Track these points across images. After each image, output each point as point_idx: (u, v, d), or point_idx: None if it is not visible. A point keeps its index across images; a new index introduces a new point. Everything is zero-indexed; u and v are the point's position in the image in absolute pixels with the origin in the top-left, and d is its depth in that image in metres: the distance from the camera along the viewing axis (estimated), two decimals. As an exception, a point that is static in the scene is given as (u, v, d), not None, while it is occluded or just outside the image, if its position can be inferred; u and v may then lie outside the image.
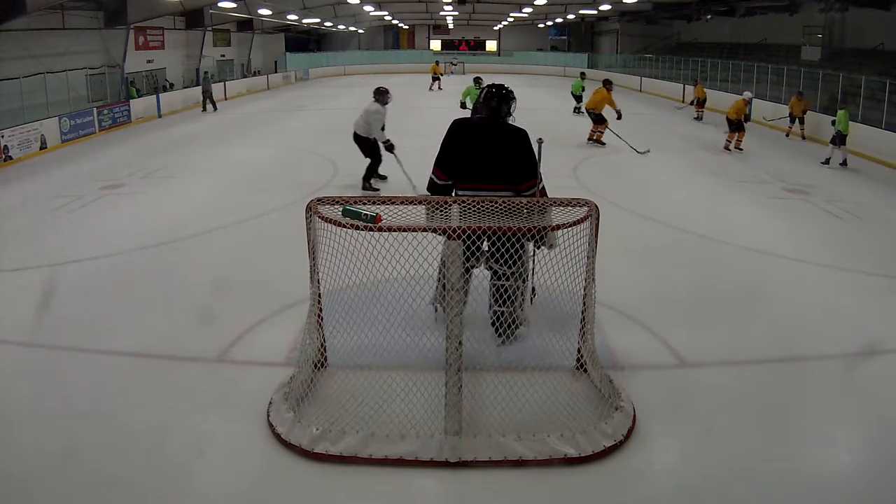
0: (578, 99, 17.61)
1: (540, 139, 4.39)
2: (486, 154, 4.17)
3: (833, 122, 11.36)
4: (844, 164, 11.03)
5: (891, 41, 17.29)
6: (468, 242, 3.35)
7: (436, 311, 4.42)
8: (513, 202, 3.61)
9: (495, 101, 4.31)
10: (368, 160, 8.38)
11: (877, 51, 17.68)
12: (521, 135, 4.24)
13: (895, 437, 3.49)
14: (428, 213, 3.54)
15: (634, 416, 3.48)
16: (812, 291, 5.51)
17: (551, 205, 3.62)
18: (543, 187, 4.29)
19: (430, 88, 25.50)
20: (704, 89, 17.87)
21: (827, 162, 11.14)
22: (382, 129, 8.21)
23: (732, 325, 4.77)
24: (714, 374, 4.13)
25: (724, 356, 4.32)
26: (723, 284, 5.59)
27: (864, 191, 9.34)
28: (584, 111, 15.08)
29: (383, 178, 8.68)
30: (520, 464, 3.14)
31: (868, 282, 5.70)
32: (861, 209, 8.22)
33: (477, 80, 14.84)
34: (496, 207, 3.48)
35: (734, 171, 10.53)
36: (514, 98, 4.42)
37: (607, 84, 12.62)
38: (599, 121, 12.70)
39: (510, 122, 4.38)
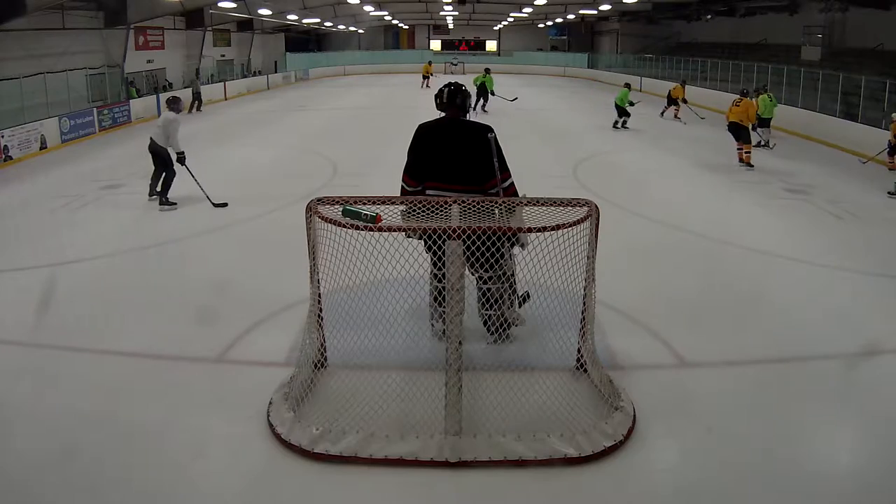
0: (623, 112, 15.60)
1: (491, 128, 4.14)
2: (451, 154, 4.12)
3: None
4: (766, 144, 12.49)
5: (891, 41, 17.29)
6: (439, 243, 3.33)
7: (432, 327, 4.32)
8: (483, 203, 3.57)
9: (459, 98, 4.27)
10: (164, 174, 8.02)
11: (877, 51, 17.68)
12: (483, 133, 4.14)
13: (895, 438, 3.49)
14: (404, 215, 3.51)
15: (634, 416, 3.48)
16: (812, 292, 5.50)
17: (550, 204, 3.60)
18: (512, 183, 4.16)
19: (422, 86, 26.18)
20: (682, 89, 17.40)
21: (758, 144, 12.23)
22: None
23: (733, 325, 4.77)
24: (714, 374, 4.13)
25: (725, 356, 4.32)
26: (723, 284, 5.59)
27: (865, 191, 9.33)
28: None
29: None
30: (520, 464, 3.14)
31: (868, 282, 5.70)
32: (861, 209, 8.22)
33: (487, 71, 16.23)
34: (467, 210, 3.46)
35: (735, 170, 10.53)
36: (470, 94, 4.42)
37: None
38: (746, 139, 10.87)
39: (471, 118, 4.37)
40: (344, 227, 3.29)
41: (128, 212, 8.04)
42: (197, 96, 19.37)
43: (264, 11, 26.51)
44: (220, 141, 13.69)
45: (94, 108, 15.33)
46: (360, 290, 3.64)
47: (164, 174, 8.03)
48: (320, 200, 3.49)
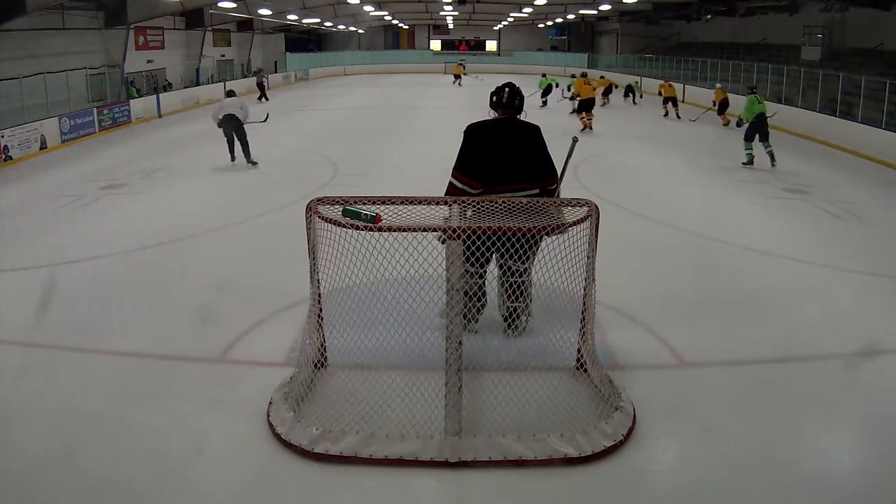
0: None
1: (575, 138, 4.45)
2: (515, 154, 4.18)
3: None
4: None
5: (891, 41, 17.28)
6: (478, 243, 3.35)
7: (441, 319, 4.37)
8: (526, 201, 3.61)
9: (517, 100, 4.33)
10: (241, 141, 10.47)
11: (877, 51, 17.67)
12: (538, 131, 4.31)
13: (895, 437, 3.49)
14: (459, 215, 3.50)
15: (634, 416, 3.48)
16: (812, 291, 5.50)
17: (549, 204, 3.63)
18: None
19: (454, 84, 29.91)
20: (670, 86, 18.44)
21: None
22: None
23: (732, 325, 4.77)
24: (714, 374, 4.12)
25: (724, 356, 4.31)
26: (723, 284, 5.59)
27: (864, 191, 9.34)
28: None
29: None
30: (520, 464, 3.14)
31: (868, 282, 5.70)
32: (861, 209, 8.22)
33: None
34: (508, 206, 3.48)
35: (734, 170, 10.54)
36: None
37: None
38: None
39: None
40: (344, 227, 3.28)
41: (128, 212, 8.05)
42: (261, 87, 22.49)
43: (264, 11, 26.51)
44: (221, 141, 13.64)
45: (94, 108, 15.34)
46: (360, 290, 3.64)
47: (242, 142, 10.41)
48: (320, 200, 3.49)
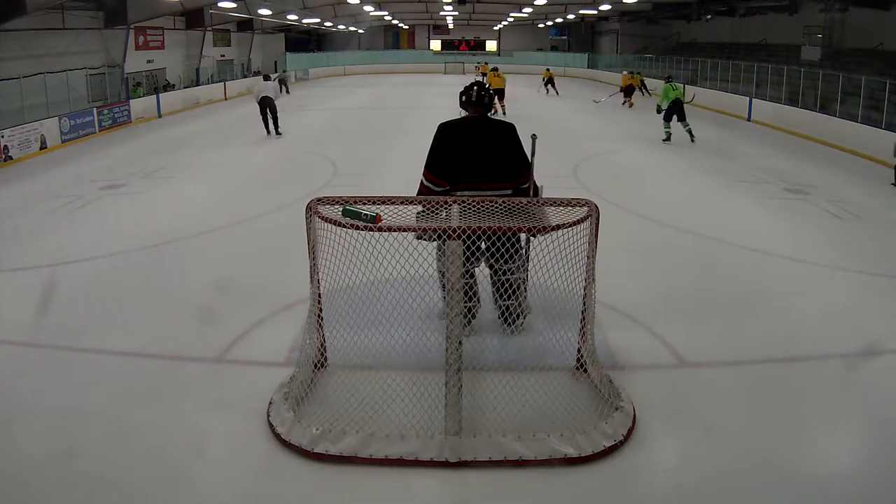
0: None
1: (534, 135, 4.39)
2: (485, 153, 4.16)
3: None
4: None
5: (891, 41, 17.28)
6: (468, 243, 3.35)
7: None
8: (510, 201, 3.62)
9: (487, 98, 4.32)
10: (274, 116, 13.68)
11: (877, 51, 17.67)
12: (512, 129, 4.28)
13: (895, 438, 3.49)
14: (421, 216, 3.52)
15: (634, 416, 3.48)
16: (812, 291, 5.50)
17: (549, 205, 3.63)
18: (534, 181, 4.31)
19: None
20: (630, 78, 21.23)
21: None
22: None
23: (732, 325, 4.77)
24: (714, 374, 4.13)
25: (724, 356, 4.31)
26: (723, 284, 5.59)
27: (865, 191, 9.33)
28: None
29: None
30: (520, 464, 3.14)
31: (868, 282, 5.70)
32: (861, 209, 8.21)
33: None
34: (493, 207, 3.48)
35: (735, 170, 10.53)
36: None
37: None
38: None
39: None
40: (344, 227, 3.29)
41: (128, 212, 8.05)
42: (284, 83, 23.47)
43: (264, 11, 26.50)
44: (221, 140, 13.69)
45: (94, 108, 15.33)
46: (360, 290, 3.64)
47: (273, 115, 13.61)
48: (320, 200, 3.49)
